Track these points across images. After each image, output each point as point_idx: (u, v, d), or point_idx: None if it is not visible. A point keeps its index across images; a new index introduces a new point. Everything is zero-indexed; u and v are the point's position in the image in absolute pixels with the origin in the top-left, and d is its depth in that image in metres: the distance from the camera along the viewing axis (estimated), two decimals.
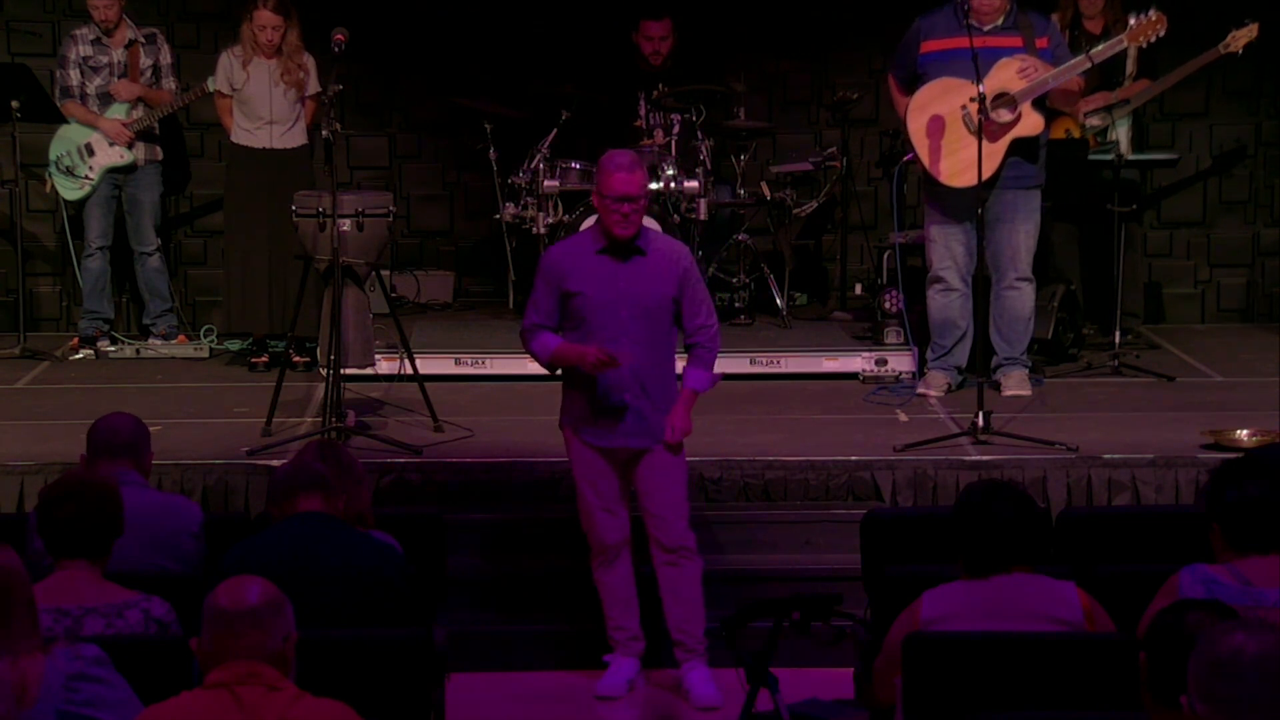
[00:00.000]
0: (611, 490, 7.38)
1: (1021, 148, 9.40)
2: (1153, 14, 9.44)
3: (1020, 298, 9.61)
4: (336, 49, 8.79)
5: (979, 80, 8.89)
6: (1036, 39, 9.43)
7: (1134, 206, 10.53)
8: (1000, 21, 9.40)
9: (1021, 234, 9.53)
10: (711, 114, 10.92)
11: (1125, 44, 9.56)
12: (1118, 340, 10.22)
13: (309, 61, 10.44)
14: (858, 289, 11.46)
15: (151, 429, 6.58)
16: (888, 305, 10.24)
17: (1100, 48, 9.57)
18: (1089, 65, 9.50)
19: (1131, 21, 9.52)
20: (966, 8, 9.37)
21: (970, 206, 9.14)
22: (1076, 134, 10.34)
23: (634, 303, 7.24)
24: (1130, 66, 10.55)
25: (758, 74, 11.68)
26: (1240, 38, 9.99)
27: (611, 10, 11.40)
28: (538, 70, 11.52)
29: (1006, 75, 9.28)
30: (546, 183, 10.44)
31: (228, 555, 5.70)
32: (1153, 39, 9.49)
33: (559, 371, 7.47)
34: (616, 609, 7.49)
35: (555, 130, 10.64)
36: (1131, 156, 10.39)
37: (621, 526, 7.43)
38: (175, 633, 5.26)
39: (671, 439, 7.28)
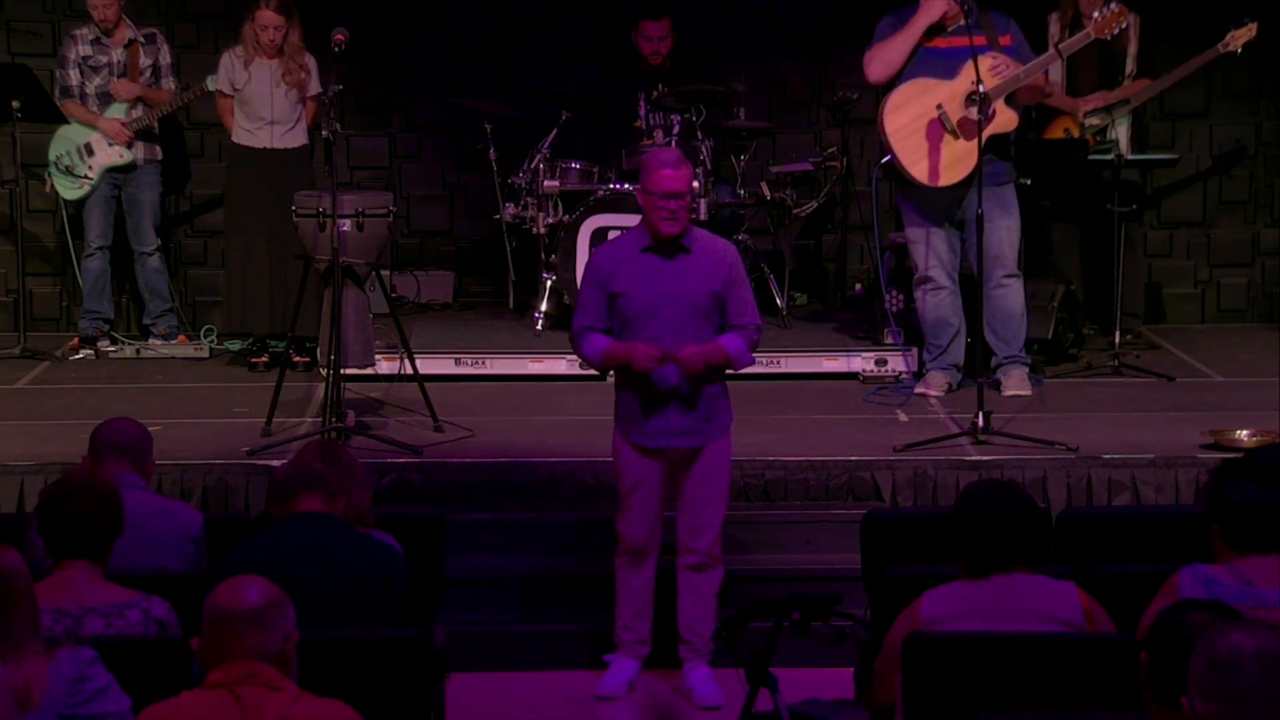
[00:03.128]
0: (654, 494, 7.35)
1: (994, 145, 9.39)
2: (1114, 6, 9.47)
3: (1010, 294, 9.59)
4: (336, 49, 8.80)
5: (978, 80, 8.93)
6: (999, 37, 9.48)
7: (1134, 206, 10.53)
8: (964, 22, 9.42)
9: (1003, 230, 9.51)
10: (711, 114, 10.90)
11: (1091, 37, 9.57)
12: (1118, 340, 10.21)
13: (310, 62, 10.44)
14: (858, 289, 11.46)
15: (151, 429, 6.58)
16: (888, 305, 10.24)
17: (1067, 41, 9.67)
18: (1058, 60, 9.64)
19: (1095, 15, 9.54)
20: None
21: (947, 205, 9.17)
22: (1076, 133, 10.34)
23: (678, 301, 7.19)
24: (1130, 66, 10.57)
25: (758, 74, 11.66)
26: (1239, 37, 10.01)
27: (611, 10, 11.40)
28: (538, 70, 11.52)
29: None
30: (546, 183, 10.44)
31: (228, 555, 5.70)
32: (1115, 31, 9.52)
33: (610, 374, 7.44)
34: (630, 611, 7.45)
35: (555, 130, 10.64)
36: (1131, 156, 10.39)
37: (655, 531, 7.40)
38: (175, 633, 5.26)
39: (684, 354, 7.14)
